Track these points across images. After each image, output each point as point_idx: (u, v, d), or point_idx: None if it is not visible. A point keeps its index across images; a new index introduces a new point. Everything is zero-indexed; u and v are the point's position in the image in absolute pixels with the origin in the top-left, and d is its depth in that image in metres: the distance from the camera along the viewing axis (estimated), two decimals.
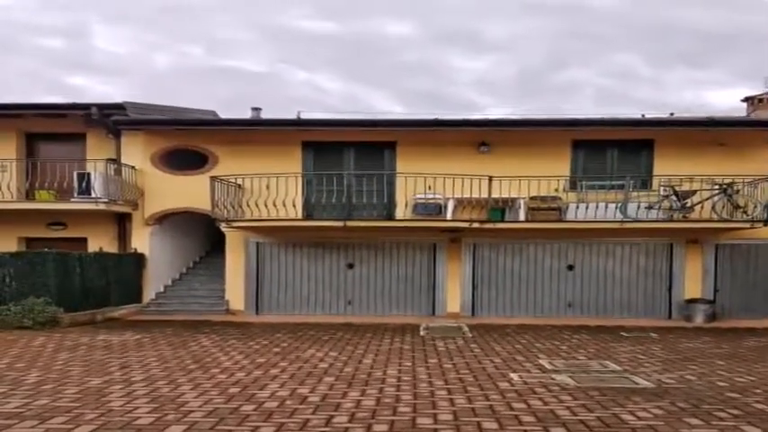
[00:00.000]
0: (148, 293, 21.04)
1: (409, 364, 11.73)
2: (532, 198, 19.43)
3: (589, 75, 58.63)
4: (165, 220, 21.27)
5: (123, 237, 21.21)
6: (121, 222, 21.21)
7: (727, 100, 58.53)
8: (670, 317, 20.28)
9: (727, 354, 13.30)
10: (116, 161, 20.50)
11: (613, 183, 19.80)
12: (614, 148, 20.56)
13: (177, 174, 20.91)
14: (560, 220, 19.48)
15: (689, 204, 19.09)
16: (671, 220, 19.20)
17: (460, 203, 19.69)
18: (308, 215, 20.35)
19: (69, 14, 56.99)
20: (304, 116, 22.94)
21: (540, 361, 12.13)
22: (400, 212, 19.85)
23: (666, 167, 19.93)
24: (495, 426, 7.54)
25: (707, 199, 19.15)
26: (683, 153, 20.06)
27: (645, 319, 19.90)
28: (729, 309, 20.28)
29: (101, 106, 20.31)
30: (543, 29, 56.21)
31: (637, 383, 10.02)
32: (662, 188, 19.54)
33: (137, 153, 20.88)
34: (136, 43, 58.10)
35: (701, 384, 9.97)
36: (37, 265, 17.11)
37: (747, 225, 18.80)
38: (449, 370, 11.14)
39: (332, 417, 7.85)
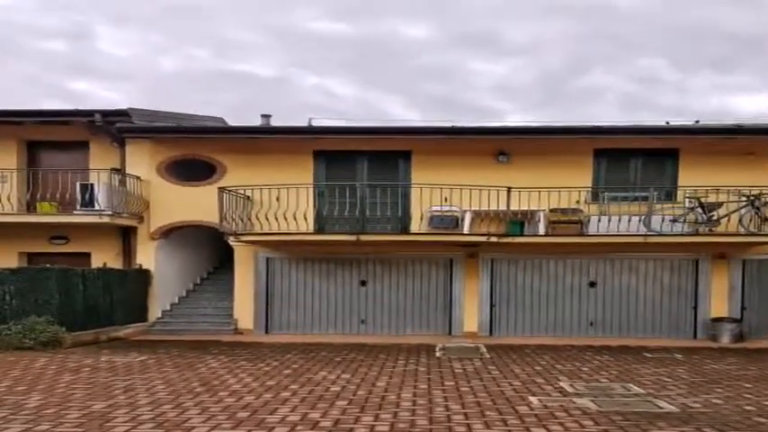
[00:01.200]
0: (154, 312, 21.07)
1: (425, 386, 11.75)
2: (553, 210, 19.42)
3: (611, 80, 58.45)
4: (172, 233, 21.31)
5: (128, 252, 21.20)
6: (126, 236, 21.20)
7: (754, 106, 58.14)
8: (695, 336, 20.21)
9: (754, 376, 13.28)
10: (120, 171, 20.49)
11: (637, 194, 19.80)
12: (638, 157, 20.54)
13: (184, 185, 20.97)
14: (582, 234, 19.43)
15: (715, 217, 19.04)
16: (696, 234, 19.12)
17: (478, 216, 19.71)
18: (319, 228, 20.36)
19: (71, 15, 57.12)
20: (315, 123, 22.96)
21: (561, 383, 12.14)
22: (415, 226, 19.90)
23: (692, 178, 19.83)
24: None
25: (734, 211, 19.11)
26: (709, 163, 19.95)
27: (669, 339, 19.82)
28: (757, 328, 20.16)
29: (104, 113, 20.18)
30: (564, 31, 56.06)
31: (661, 407, 10.00)
32: (687, 200, 19.47)
33: (142, 162, 20.90)
34: (140, 46, 58.18)
35: (728, 408, 9.95)
36: (38, 281, 17.04)
37: None
38: (466, 393, 11.14)
39: None
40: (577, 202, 19.79)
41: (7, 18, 52.95)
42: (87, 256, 21.06)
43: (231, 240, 20.00)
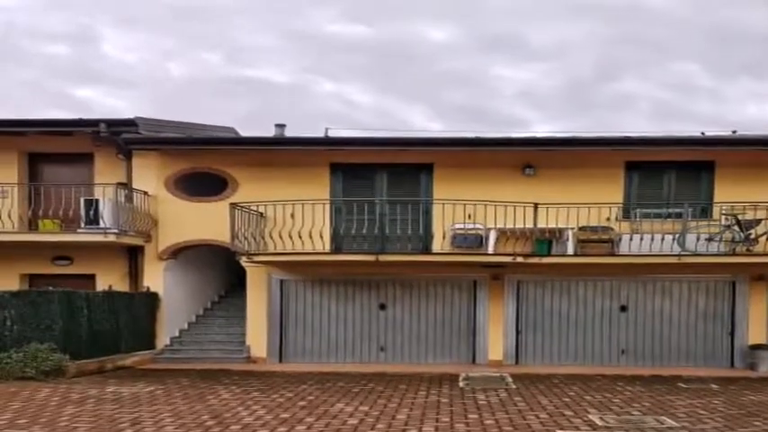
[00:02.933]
0: (162, 338, 20.99)
1: (447, 419, 11.79)
2: (582, 229, 19.33)
3: (643, 87, 57.94)
4: (181, 253, 21.25)
5: (135, 273, 21.17)
6: (133, 256, 21.17)
7: None
8: (732, 365, 20.08)
9: None
10: (127, 185, 20.41)
11: (670, 211, 19.68)
12: (671, 170, 20.47)
13: (194, 200, 20.90)
14: (613, 254, 19.32)
15: (753, 235, 18.96)
16: (733, 254, 19.08)
17: (503, 234, 19.69)
18: (336, 248, 20.32)
19: (74, 18, 57.10)
20: (332, 134, 23.05)
21: (590, 416, 12.14)
22: (437, 245, 19.87)
23: (729, 193, 19.73)
24: None
25: None
26: (747, 176, 19.86)
27: (704, 368, 19.61)
28: None
29: (110, 122, 20.14)
30: (592, 34, 55.79)
31: None
32: (723, 217, 19.40)
33: (149, 176, 20.81)
34: (148, 50, 58.15)
35: None
36: (41, 305, 16.89)
37: None
38: (490, 426, 11.19)
39: None
40: (608, 219, 19.64)
41: (7, 19, 53.08)
42: (92, 277, 21.05)
43: (244, 261, 19.92)
